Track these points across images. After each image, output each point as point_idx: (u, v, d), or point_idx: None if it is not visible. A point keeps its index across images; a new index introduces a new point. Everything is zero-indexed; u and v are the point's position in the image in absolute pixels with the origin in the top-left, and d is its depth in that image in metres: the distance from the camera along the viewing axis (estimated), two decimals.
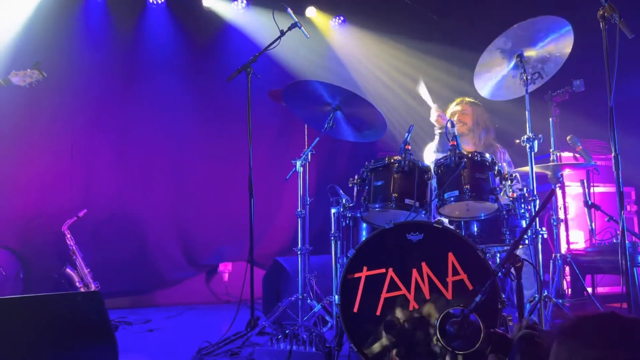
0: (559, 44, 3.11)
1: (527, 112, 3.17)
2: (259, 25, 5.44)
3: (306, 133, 4.08)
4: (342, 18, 5.92)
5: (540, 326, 2.13)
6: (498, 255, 3.14)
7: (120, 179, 5.14)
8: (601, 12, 2.55)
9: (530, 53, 3.17)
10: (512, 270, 2.33)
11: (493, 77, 3.32)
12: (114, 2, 5.20)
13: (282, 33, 3.62)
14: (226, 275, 5.48)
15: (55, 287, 4.18)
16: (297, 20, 3.63)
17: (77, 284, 4.20)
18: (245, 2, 5.52)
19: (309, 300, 3.50)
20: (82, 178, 5.00)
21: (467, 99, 4.12)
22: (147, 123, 5.26)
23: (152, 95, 5.30)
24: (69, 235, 4.24)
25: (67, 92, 4.86)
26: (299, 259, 3.54)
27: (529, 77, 3.13)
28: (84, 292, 4.00)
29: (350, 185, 3.08)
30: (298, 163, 3.53)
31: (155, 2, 5.34)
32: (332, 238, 3.29)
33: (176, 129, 5.36)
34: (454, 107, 4.12)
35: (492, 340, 1.66)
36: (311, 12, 5.77)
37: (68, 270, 4.23)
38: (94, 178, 5.06)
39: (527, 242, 2.99)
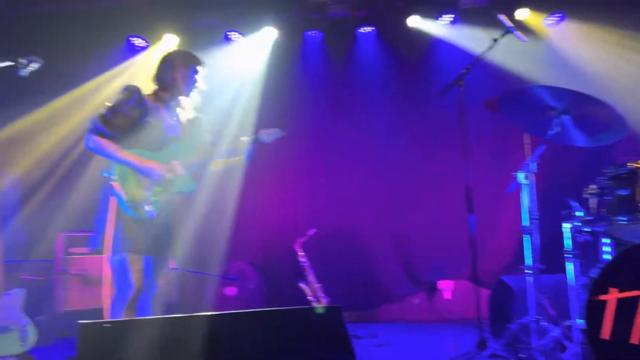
0: None
1: None
2: (467, 36, 5.33)
3: (525, 141, 3.82)
4: (560, 15, 5.44)
5: None
6: None
7: (340, 198, 5.51)
8: None
9: None
10: None
11: None
12: (329, 38, 5.71)
13: (495, 41, 3.47)
14: (447, 293, 5.39)
15: (290, 300, 4.62)
16: (511, 25, 3.45)
17: (310, 298, 4.56)
18: (453, 17, 5.47)
19: (542, 323, 3.22)
20: (308, 199, 5.52)
21: None
22: (361, 144, 5.56)
23: (365, 116, 5.60)
24: (301, 253, 4.65)
25: (293, 125, 5.42)
26: (529, 278, 3.29)
27: None
28: (324, 306, 4.32)
29: (585, 195, 2.78)
30: (521, 174, 3.31)
31: (364, 31, 5.68)
32: (568, 255, 2.99)
33: (389, 146, 5.54)
34: None
35: None
36: (523, 13, 5.43)
37: (301, 285, 4.65)
38: (318, 198, 5.53)
39: None
